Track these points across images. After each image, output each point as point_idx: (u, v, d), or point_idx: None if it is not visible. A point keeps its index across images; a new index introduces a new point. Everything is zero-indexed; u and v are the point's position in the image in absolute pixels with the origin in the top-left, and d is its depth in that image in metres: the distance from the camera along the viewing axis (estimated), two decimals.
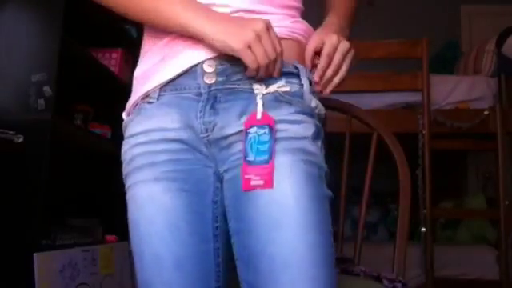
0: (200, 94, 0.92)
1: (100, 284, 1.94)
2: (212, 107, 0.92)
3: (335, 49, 0.94)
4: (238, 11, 0.93)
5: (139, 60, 1.03)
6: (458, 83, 2.94)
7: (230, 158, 0.92)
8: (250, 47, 0.86)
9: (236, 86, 0.92)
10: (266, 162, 0.86)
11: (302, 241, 0.85)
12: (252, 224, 0.87)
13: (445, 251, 2.74)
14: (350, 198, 1.93)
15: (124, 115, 1.03)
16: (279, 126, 0.89)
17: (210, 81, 0.92)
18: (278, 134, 0.89)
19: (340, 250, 1.44)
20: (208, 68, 0.92)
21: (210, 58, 0.92)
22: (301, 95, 0.93)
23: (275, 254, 0.85)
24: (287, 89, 0.92)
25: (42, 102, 1.75)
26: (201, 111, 0.92)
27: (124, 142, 0.99)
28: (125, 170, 0.97)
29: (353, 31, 1.08)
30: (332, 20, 1.03)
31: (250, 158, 0.87)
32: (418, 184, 2.58)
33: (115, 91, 2.37)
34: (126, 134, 0.99)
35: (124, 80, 2.39)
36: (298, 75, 0.94)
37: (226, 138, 0.91)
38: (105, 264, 1.99)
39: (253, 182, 0.86)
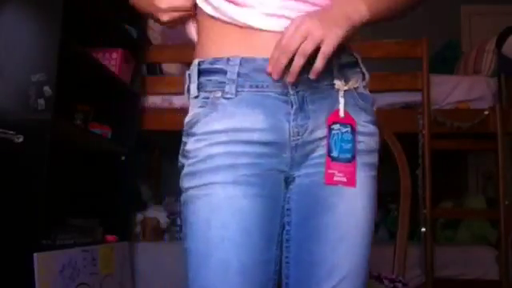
0: (285, 94, 0.90)
1: (100, 284, 1.94)
2: (302, 110, 0.91)
3: (290, 37, 0.84)
4: None
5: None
6: (458, 83, 2.93)
7: (309, 161, 0.92)
8: None
9: (318, 84, 0.91)
10: (349, 160, 0.91)
11: (362, 256, 0.94)
12: (326, 232, 0.91)
13: (445, 251, 2.73)
14: None
15: (192, 105, 0.94)
16: (357, 138, 0.93)
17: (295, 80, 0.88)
18: (357, 146, 0.93)
19: None
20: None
21: None
22: (371, 101, 0.98)
23: (339, 263, 0.91)
24: (359, 84, 0.97)
25: (42, 101, 1.75)
26: (294, 114, 0.90)
27: (196, 138, 0.91)
28: (195, 166, 0.90)
29: None
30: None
31: (334, 154, 0.91)
32: (418, 184, 2.58)
33: (115, 91, 2.38)
34: (200, 129, 0.91)
35: (124, 80, 2.39)
36: (358, 63, 0.98)
37: (313, 141, 0.92)
38: (105, 264, 1.99)
39: (336, 178, 0.90)
